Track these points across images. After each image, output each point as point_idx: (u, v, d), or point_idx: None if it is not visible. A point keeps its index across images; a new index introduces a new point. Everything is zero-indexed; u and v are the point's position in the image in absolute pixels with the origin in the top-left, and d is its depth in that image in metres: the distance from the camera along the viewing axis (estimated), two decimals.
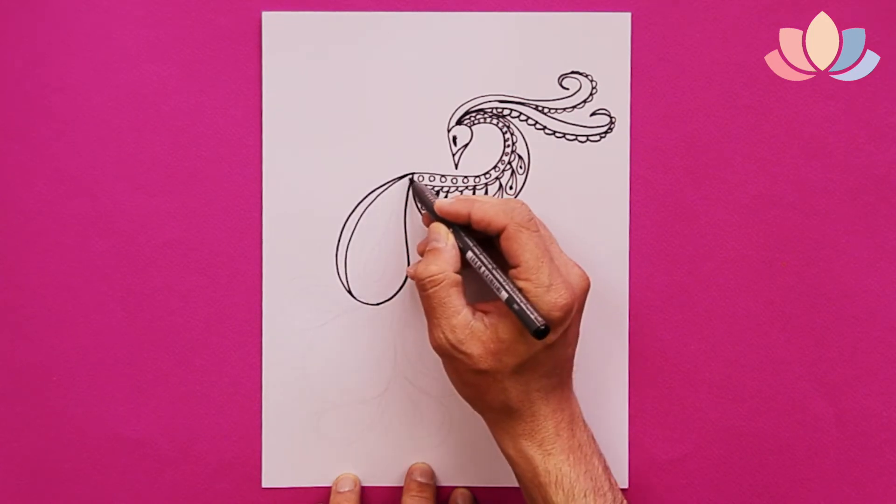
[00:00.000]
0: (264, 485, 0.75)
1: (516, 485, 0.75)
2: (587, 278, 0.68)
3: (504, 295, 0.64)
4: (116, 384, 0.74)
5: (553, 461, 0.65)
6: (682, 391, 0.74)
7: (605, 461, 0.68)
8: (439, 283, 0.66)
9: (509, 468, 0.71)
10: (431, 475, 0.74)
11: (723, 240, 0.74)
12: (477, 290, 0.69)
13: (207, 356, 0.74)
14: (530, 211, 0.68)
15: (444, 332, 0.66)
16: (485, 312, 0.66)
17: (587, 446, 0.67)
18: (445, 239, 0.68)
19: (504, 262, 0.66)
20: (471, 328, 0.65)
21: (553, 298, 0.64)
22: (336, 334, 0.74)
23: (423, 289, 0.67)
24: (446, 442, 0.75)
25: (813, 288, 0.74)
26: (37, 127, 0.74)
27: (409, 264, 0.74)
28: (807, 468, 0.74)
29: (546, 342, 0.64)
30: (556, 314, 0.64)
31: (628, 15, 0.73)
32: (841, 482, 0.74)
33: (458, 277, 0.67)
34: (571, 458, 0.65)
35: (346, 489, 0.74)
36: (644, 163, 0.74)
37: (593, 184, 0.74)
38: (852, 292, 0.74)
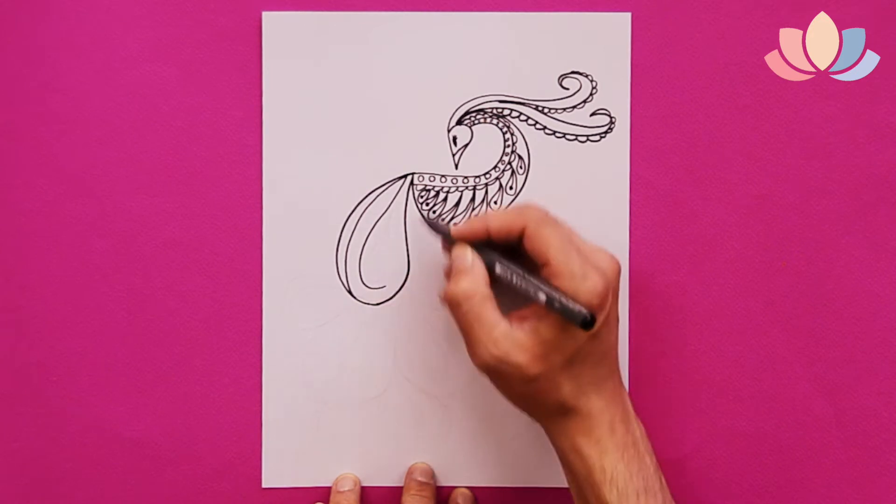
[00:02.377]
0: (264, 485, 0.75)
1: (516, 485, 0.75)
2: (616, 260, 0.67)
3: (542, 297, 0.64)
4: (116, 384, 0.74)
5: (609, 459, 0.65)
6: (682, 391, 0.74)
7: (656, 460, 0.67)
8: (473, 298, 0.65)
9: (510, 468, 0.72)
10: (431, 475, 0.74)
11: (723, 240, 0.74)
12: (506, 304, 0.68)
13: (207, 356, 0.74)
14: (543, 208, 0.68)
15: (487, 349, 0.65)
16: (521, 319, 0.66)
17: (641, 443, 0.66)
18: (471, 258, 0.67)
19: (532, 267, 0.66)
20: (513, 338, 0.64)
21: (589, 287, 0.64)
22: (336, 334, 0.74)
23: (458, 307, 0.66)
24: (446, 442, 0.75)
25: (813, 288, 0.74)
26: (37, 127, 0.74)
27: (408, 265, 0.74)
28: (807, 468, 0.74)
29: (591, 331, 0.64)
30: (596, 301, 0.64)
31: (628, 15, 0.73)
32: (841, 482, 0.74)
33: (490, 292, 0.66)
34: (626, 456, 0.65)
35: (346, 489, 0.74)
36: (644, 163, 0.74)
37: (593, 184, 0.74)
38: (852, 292, 0.74)
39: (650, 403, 0.74)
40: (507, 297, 0.67)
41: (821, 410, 0.74)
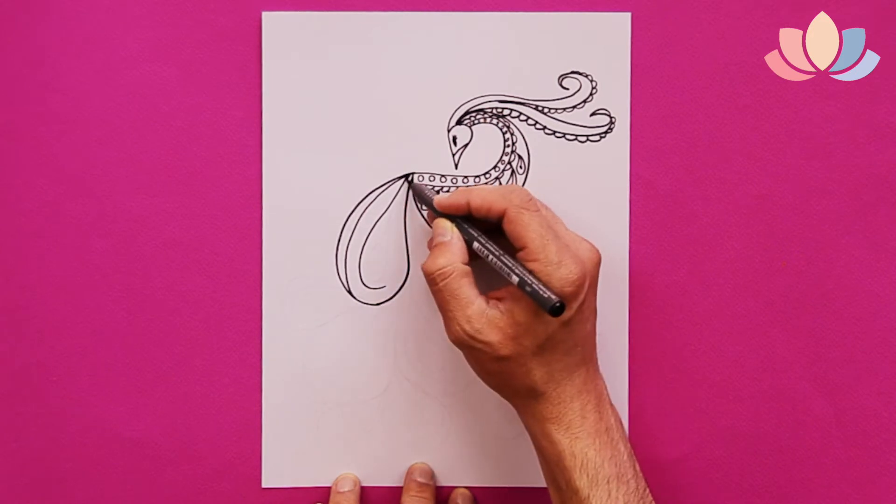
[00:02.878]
0: (264, 485, 0.75)
1: (516, 485, 0.75)
2: (597, 251, 0.68)
3: (515, 279, 0.64)
4: (116, 384, 0.74)
5: (579, 445, 0.65)
6: (682, 391, 0.74)
7: (630, 447, 0.67)
8: (449, 276, 0.66)
9: (509, 468, 0.72)
10: (431, 475, 0.74)
11: (723, 240, 0.74)
12: (488, 281, 0.69)
13: (207, 356, 0.74)
14: (529, 193, 0.68)
15: (460, 324, 0.66)
16: (499, 300, 0.66)
17: (614, 430, 0.67)
18: (450, 232, 0.69)
19: (511, 249, 0.66)
20: (487, 316, 0.65)
21: (564, 274, 0.64)
22: (336, 334, 0.74)
23: (434, 283, 0.67)
24: (446, 442, 0.75)
25: (813, 288, 0.74)
26: (37, 127, 0.74)
27: (408, 264, 0.74)
28: (807, 468, 0.74)
29: (562, 319, 0.64)
30: (569, 289, 0.64)
31: (628, 15, 0.73)
32: (841, 482, 0.74)
33: (468, 269, 0.67)
34: (597, 443, 0.65)
35: (346, 489, 0.74)
36: (644, 163, 0.74)
37: (593, 184, 0.74)
38: (852, 292, 0.74)
39: (650, 403, 0.74)
40: (487, 276, 0.68)
41: (821, 410, 0.74)
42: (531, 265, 0.65)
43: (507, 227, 0.66)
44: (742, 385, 0.74)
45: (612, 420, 0.67)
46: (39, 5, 0.73)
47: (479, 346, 0.65)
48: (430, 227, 0.72)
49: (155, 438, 0.74)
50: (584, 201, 0.74)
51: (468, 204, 0.68)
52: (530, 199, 0.67)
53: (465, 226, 0.69)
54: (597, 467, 0.65)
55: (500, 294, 0.67)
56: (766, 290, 0.74)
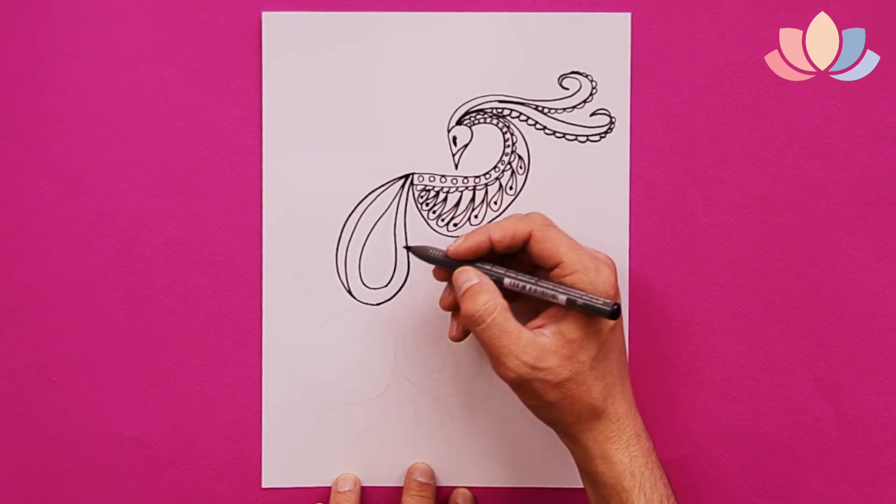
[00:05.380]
0: (264, 485, 0.75)
1: (517, 485, 0.75)
2: (611, 258, 0.69)
3: (562, 298, 0.64)
4: (116, 384, 0.74)
5: (637, 464, 0.65)
6: (682, 391, 0.74)
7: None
8: (494, 310, 0.65)
9: (510, 468, 0.71)
10: (431, 475, 0.74)
11: (723, 240, 0.74)
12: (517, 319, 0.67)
13: (207, 356, 0.74)
14: (545, 215, 0.69)
15: (518, 357, 0.64)
16: (540, 328, 0.66)
17: (655, 452, 0.67)
18: (477, 276, 0.67)
19: (535, 274, 0.67)
20: (539, 344, 0.64)
21: (604, 278, 0.65)
22: (336, 334, 0.74)
23: (479, 322, 0.65)
24: (446, 442, 0.75)
25: (813, 288, 0.74)
26: (37, 127, 0.74)
27: (409, 265, 0.74)
28: (807, 468, 0.74)
29: (613, 323, 0.65)
30: (612, 291, 0.65)
31: (628, 15, 0.73)
32: (841, 482, 0.74)
33: (507, 303, 0.66)
34: (650, 463, 0.66)
35: (346, 489, 0.74)
36: (644, 163, 0.74)
37: (593, 184, 0.74)
38: (852, 292, 0.74)
39: (650, 403, 0.74)
40: (515, 313, 0.66)
41: (821, 410, 0.74)
42: (571, 278, 0.65)
43: (535, 247, 0.66)
44: (742, 385, 0.74)
45: (651, 443, 0.67)
46: (39, 5, 0.73)
47: (541, 374, 0.64)
48: (441, 280, 0.70)
49: (155, 438, 0.74)
50: (584, 201, 0.74)
51: (489, 239, 0.67)
52: (549, 219, 0.68)
53: (487, 266, 0.68)
54: (652, 487, 0.65)
55: (537, 322, 0.66)
56: (766, 290, 0.74)
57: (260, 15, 0.73)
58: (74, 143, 0.74)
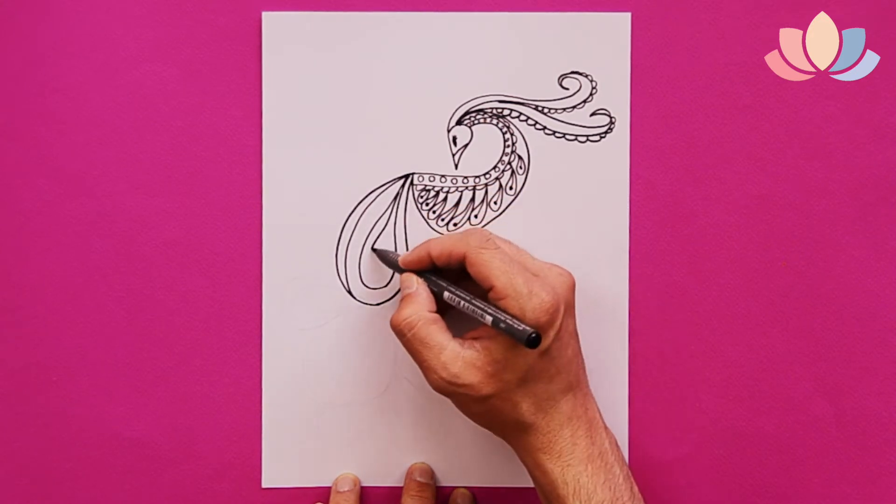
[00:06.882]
0: (264, 485, 0.75)
1: (516, 485, 0.75)
2: (569, 274, 0.68)
3: (488, 319, 0.64)
4: (116, 384, 0.74)
5: (571, 472, 0.65)
6: (682, 391, 0.74)
7: (627, 469, 0.67)
8: (416, 325, 0.66)
9: (509, 468, 0.71)
10: (431, 475, 0.74)
11: (723, 240, 0.74)
12: (464, 326, 0.68)
13: (207, 356, 0.74)
14: (488, 233, 0.69)
15: (437, 372, 0.65)
16: (475, 339, 0.66)
17: (609, 454, 0.66)
18: (415, 284, 0.69)
19: (483, 293, 0.66)
20: (463, 358, 0.65)
21: (536, 304, 0.64)
22: (336, 334, 0.74)
23: (403, 334, 0.67)
24: (446, 442, 0.75)
25: (813, 288, 0.74)
26: (37, 127, 0.74)
27: None
28: (807, 468, 0.74)
29: (541, 349, 0.64)
30: (544, 318, 0.64)
31: (628, 15, 0.73)
32: (841, 482, 0.74)
33: (435, 316, 0.67)
34: (590, 468, 0.65)
35: (346, 489, 0.74)
36: (644, 163, 0.74)
37: (593, 184, 0.74)
38: (852, 292, 0.74)
39: (650, 403, 0.74)
40: (463, 320, 0.67)
41: (821, 410, 0.74)
42: (502, 303, 0.64)
43: (470, 270, 0.66)
44: (742, 385, 0.74)
45: (607, 444, 0.67)
46: (39, 5, 0.73)
47: (462, 389, 0.65)
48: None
49: (155, 438, 0.74)
50: (584, 201, 0.74)
51: (429, 255, 0.69)
52: (488, 239, 0.67)
53: (434, 278, 0.69)
54: (590, 493, 0.65)
55: (476, 333, 0.67)
56: (766, 290, 0.74)
57: (260, 15, 0.73)
58: (74, 143, 0.74)
